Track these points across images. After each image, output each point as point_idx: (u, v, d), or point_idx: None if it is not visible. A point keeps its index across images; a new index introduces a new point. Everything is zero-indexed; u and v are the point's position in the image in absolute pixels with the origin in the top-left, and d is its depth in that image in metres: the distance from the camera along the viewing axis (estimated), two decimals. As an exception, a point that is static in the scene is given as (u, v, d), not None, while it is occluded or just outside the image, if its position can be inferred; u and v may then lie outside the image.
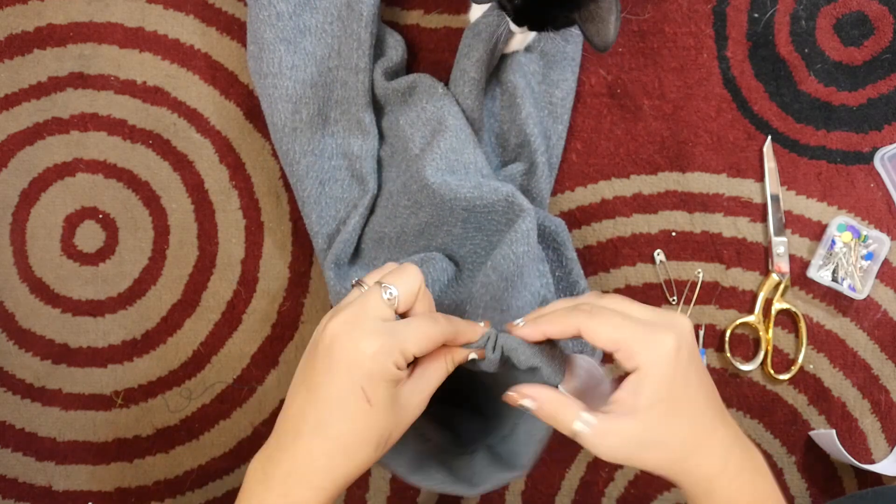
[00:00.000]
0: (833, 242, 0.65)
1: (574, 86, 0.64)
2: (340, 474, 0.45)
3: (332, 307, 0.59)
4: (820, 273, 0.65)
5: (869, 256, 0.65)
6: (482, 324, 0.50)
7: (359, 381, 0.44)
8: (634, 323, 0.45)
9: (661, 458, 0.45)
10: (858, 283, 0.65)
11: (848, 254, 0.65)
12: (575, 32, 0.63)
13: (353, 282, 0.48)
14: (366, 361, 0.44)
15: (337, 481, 0.45)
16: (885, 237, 0.65)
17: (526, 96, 0.62)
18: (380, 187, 0.64)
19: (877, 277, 0.65)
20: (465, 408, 0.58)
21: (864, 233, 0.65)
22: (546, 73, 0.64)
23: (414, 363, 0.48)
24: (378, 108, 0.64)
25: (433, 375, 0.48)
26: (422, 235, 0.62)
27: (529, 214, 0.57)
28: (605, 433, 0.45)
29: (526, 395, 0.47)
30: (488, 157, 0.63)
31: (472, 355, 0.49)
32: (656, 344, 0.44)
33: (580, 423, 0.46)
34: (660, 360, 0.44)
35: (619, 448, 0.46)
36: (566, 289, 0.62)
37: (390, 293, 0.47)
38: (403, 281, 0.48)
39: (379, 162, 0.64)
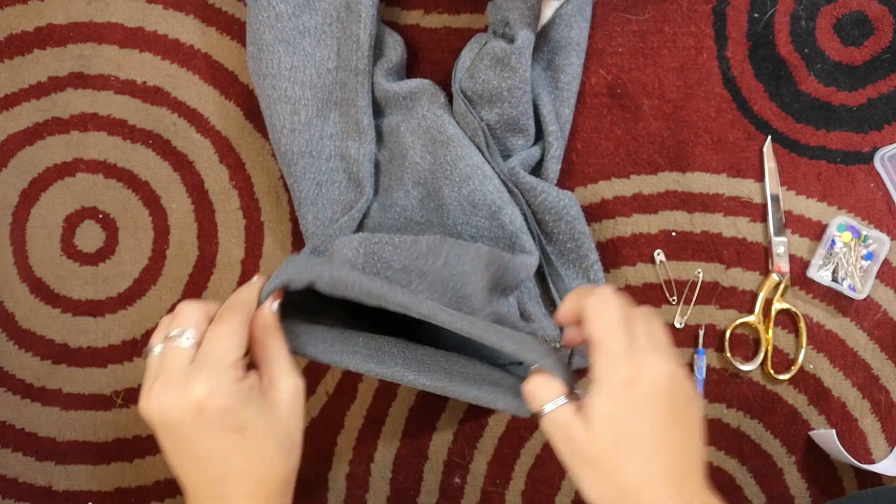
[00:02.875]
0: (833, 242, 0.65)
1: (580, 70, 0.64)
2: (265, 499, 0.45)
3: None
4: (820, 273, 0.65)
5: (869, 256, 0.65)
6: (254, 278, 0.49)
7: (217, 426, 0.43)
8: (620, 337, 0.43)
9: (594, 485, 0.43)
10: (858, 283, 0.65)
11: (848, 254, 0.65)
12: (579, 17, 0.63)
13: (143, 354, 0.47)
14: (206, 405, 0.42)
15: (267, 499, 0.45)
16: (885, 237, 0.65)
17: (538, 81, 0.62)
18: (376, 192, 0.64)
19: (877, 277, 0.65)
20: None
21: (864, 233, 0.65)
22: (551, 59, 0.64)
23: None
24: (377, 110, 0.64)
25: (272, 357, 0.46)
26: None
27: (533, 254, 0.58)
28: (558, 422, 0.44)
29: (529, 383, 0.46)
30: (492, 155, 0.62)
31: (274, 306, 0.47)
32: (616, 368, 0.42)
33: (551, 404, 0.44)
34: (611, 382, 0.42)
35: (563, 443, 0.44)
36: (576, 261, 0.62)
37: (188, 336, 0.44)
38: (188, 317, 0.45)
39: (376, 166, 0.64)
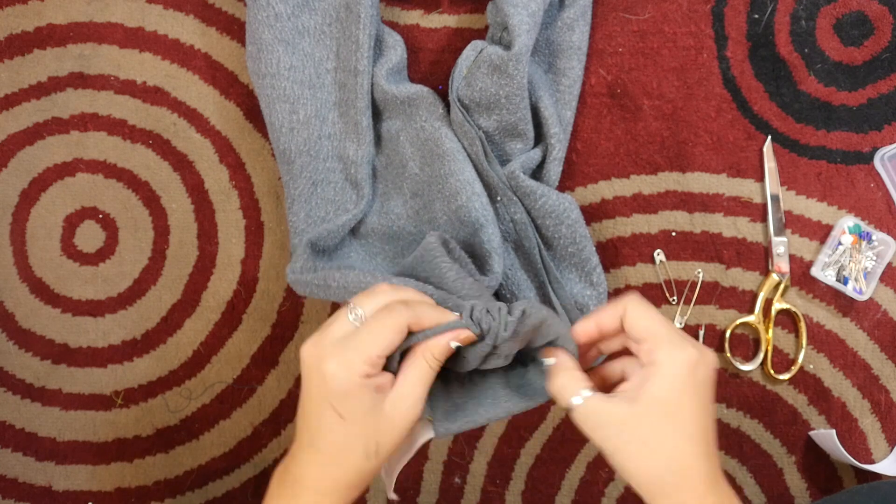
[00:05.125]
0: (839, 243, 0.65)
1: (581, 74, 0.64)
2: (336, 480, 0.48)
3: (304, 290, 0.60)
4: (825, 272, 0.65)
5: (874, 258, 0.65)
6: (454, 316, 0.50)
7: (327, 400, 0.47)
8: (671, 328, 0.47)
9: (640, 461, 0.46)
10: (864, 285, 0.65)
11: (854, 255, 0.64)
12: (581, 21, 0.63)
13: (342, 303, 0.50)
14: (329, 382, 0.46)
15: (335, 485, 0.48)
16: (890, 239, 0.65)
17: (539, 83, 0.62)
18: (373, 195, 0.64)
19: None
20: None
21: (870, 234, 0.65)
22: (552, 63, 0.64)
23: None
24: (376, 112, 0.64)
25: (415, 377, 0.48)
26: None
27: (496, 276, 0.58)
28: (595, 410, 0.46)
29: (552, 355, 0.49)
30: (491, 163, 0.62)
31: (454, 343, 0.48)
32: (681, 350, 0.46)
33: (578, 397, 0.47)
34: (677, 363, 0.46)
35: (603, 428, 0.46)
36: (578, 265, 0.62)
37: (356, 313, 0.48)
38: (371, 301, 0.49)
39: (373, 169, 0.64)
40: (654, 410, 0.45)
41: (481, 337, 0.49)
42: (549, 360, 0.49)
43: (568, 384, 0.48)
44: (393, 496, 0.55)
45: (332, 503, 0.48)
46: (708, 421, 0.47)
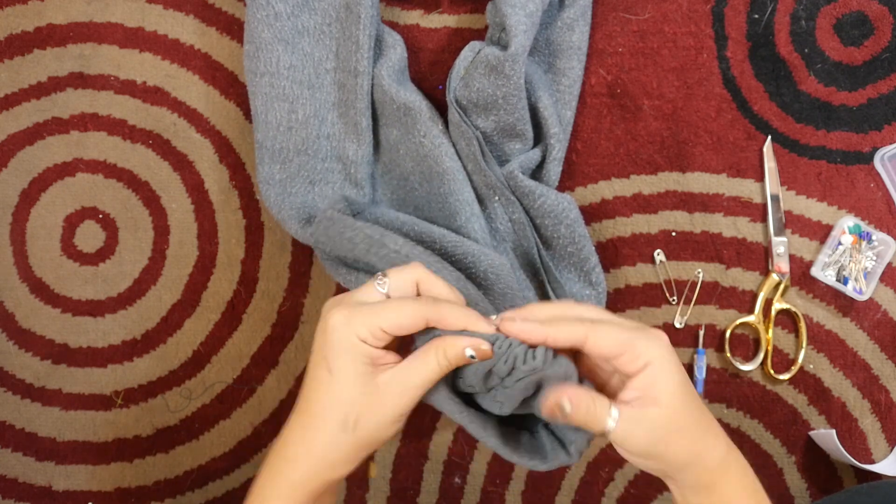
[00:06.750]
0: (839, 243, 0.65)
1: (581, 74, 0.64)
2: (311, 445, 0.47)
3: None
4: (825, 272, 0.65)
5: (874, 258, 0.65)
6: (493, 317, 0.48)
7: (322, 350, 0.47)
8: (630, 328, 0.47)
9: (682, 444, 0.47)
10: (864, 285, 0.65)
11: (854, 255, 0.64)
12: (581, 21, 0.63)
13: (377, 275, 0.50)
14: (328, 333, 0.46)
15: (310, 452, 0.47)
16: (890, 239, 0.65)
17: (539, 83, 0.62)
18: (373, 201, 0.64)
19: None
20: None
21: (870, 234, 0.65)
22: (552, 63, 0.64)
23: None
24: (374, 115, 0.64)
25: (420, 368, 0.47)
26: None
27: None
28: (632, 424, 0.46)
29: (564, 396, 0.46)
30: (489, 163, 0.62)
31: (469, 352, 0.46)
32: (657, 342, 0.46)
33: (611, 419, 0.46)
34: (665, 353, 0.46)
35: (644, 438, 0.46)
36: (577, 264, 0.62)
37: (384, 287, 0.48)
38: (402, 280, 0.49)
39: (371, 174, 0.64)
40: (679, 400, 0.46)
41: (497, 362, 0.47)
42: (566, 404, 0.46)
43: (594, 409, 0.46)
44: None
45: (309, 477, 0.47)
46: None
